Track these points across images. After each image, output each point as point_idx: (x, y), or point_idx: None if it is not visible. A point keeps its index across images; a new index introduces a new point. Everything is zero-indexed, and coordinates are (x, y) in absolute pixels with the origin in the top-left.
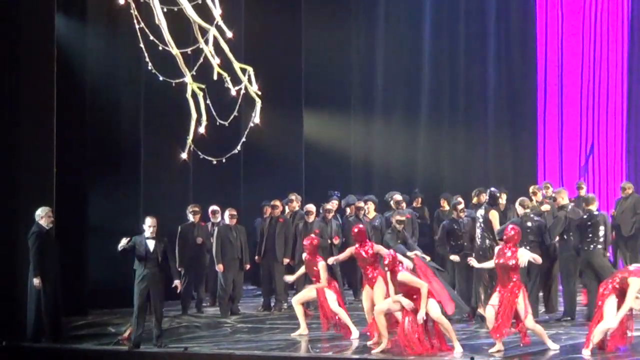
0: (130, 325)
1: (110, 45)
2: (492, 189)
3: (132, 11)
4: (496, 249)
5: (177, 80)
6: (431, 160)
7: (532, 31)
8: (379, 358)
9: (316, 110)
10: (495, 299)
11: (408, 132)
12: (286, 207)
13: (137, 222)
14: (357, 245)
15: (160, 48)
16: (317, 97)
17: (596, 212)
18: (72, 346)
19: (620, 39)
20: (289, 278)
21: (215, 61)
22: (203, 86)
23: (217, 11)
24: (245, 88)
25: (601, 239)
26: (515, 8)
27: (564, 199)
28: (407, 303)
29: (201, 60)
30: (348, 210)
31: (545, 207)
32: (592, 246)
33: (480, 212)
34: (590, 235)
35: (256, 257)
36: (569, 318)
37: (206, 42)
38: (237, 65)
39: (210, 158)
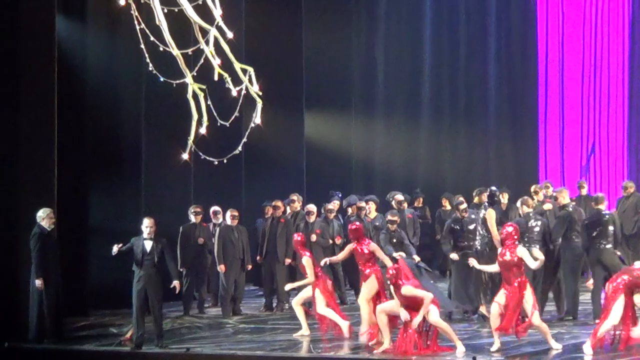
0: (132, 326)
1: (111, 46)
2: (493, 188)
3: (132, 12)
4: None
5: (178, 81)
6: (432, 160)
7: (532, 30)
8: (381, 358)
9: (317, 111)
10: (501, 296)
11: (409, 132)
12: (287, 208)
13: (138, 223)
14: (355, 243)
15: (161, 49)
16: (318, 98)
17: (605, 212)
18: (73, 347)
19: (621, 38)
20: (289, 286)
21: (216, 62)
22: (204, 87)
23: (217, 12)
24: (246, 88)
25: (610, 238)
26: (515, 7)
27: (565, 198)
28: (404, 315)
29: (202, 60)
30: (349, 210)
31: (547, 206)
32: (601, 245)
33: (482, 212)
34: (600, 234)
35: (258, 258)
36: (571, 317)
37: (207, 42)
38: (237, 66)
39: (211, 159)
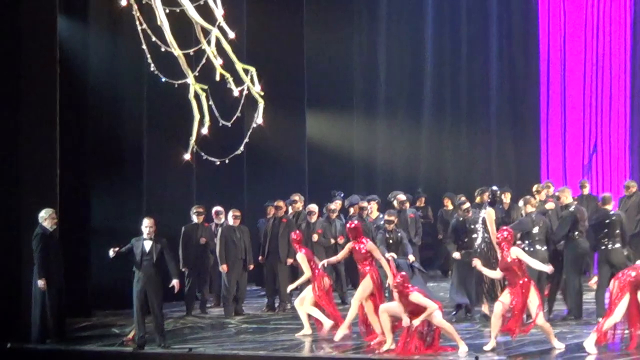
0: (134, 327)
1: (113, 46)
2: (494, 187)
3: (134, 12)
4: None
5: (179, 81)
6: (434, 159)
7: (534, 29)
8: (383, 358)
9: (319, 110)
10: (505, 296)
11: (410, 132)
12: (289, 208)
13: (140, 224)
14: (353, 241)
15: (163, 49)
16: (320, 97)
17: (613, 211)
18: (76, 347)
19: (623, 37)
20: (291, 287)
21: (217, 62)
22: (206, 87)
23: (219, 12)
24: (248, 88)
25: (618, 238)
26: (517, 6)
27: (567, 197)
28: (406, 321)
29: (203, 61)
30: (351, 210)
31: (550, 206)
32: (610, 245)
33: (483, 211)
34: (608, 234)
35: (260, 258)
36: (573, 317)
37: (208, 42)
38: (239, 66)
39: (213, 159)
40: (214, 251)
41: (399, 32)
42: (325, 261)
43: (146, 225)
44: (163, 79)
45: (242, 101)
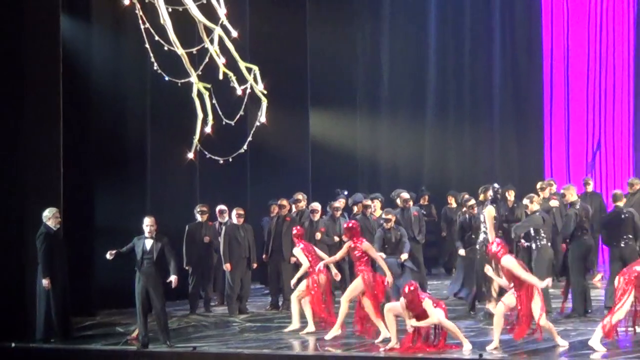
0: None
1: (116, 45)
2: (495, 185)
3: (137, 11)
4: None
5: (182, 80)
6: (437, 157)
7: (537, 27)
8: (388, 356)
9: (322, 109)
10: (510, 297)
11: (414, 130)
12: (293, 206)
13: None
14: (350, 241)
15: (166, 48)
16: (323, 96)
17: (625, 208)
18: (80, 347)
19: (627, 34)
20: (292, 281)
21: (220, 61)
22: (209, 86)
23: (222, 11)
24: (251, 87)
25: (631, 234)
26: (520, 4)
27: (573, 195)
28: (410, 326)
29: (207, 60)
30: (355, 208)
31: (554, 203)
32: (623, 242)
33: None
34: (621, 231)
35: (263, 256)
36: (577, 314)
37: (211, 41)
38: (242, 65)
39: (216, 158)
40: (218, 250)
41: (401, 30)
42: (321, 263)
43: (147, 224)
44: (166, 78)
45: (245, 100)
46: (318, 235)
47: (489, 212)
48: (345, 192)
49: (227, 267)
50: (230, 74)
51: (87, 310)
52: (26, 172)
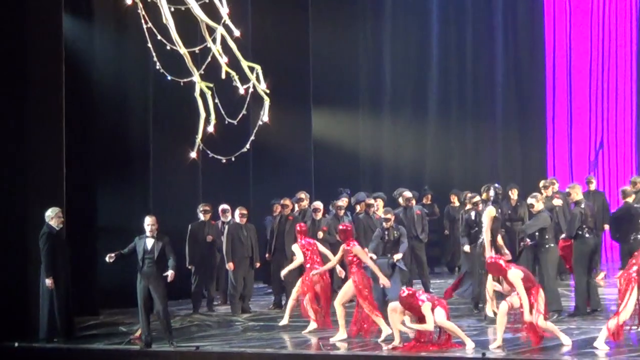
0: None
1: (118, 45)
2: (496, 185)
3: (139, 11)
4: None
5: (185, 80)
6: (440, 156)
7: (539, 26)
8: (391, 355)
9: (325, 108)
10: (515, 299)
11: (416, 129)
12: (295, 206)
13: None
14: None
15: (168, 47)
16: (326, 95)
17: (635, 204)
18: (83, 346)
19: (629, 33)
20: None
21: (223, 60)
22: (211, 85)
23: (224, 10)
24: (254, 86)
25: None
26: (522, 3)
27: (578, 194)
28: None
29: (209, 59)
30: (358, 207)
31: (557, 202)
32: (633, 238)
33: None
34: (632, 226)
35: (266, 255)
36: (580, 313)
37: (214, 41)
38: (245, 64)
39: (219, 157)
40: (221, 249)
41: (404, 30)
42: (319, 270)
43: (148, 223)
44: (169, 77)
45: (248, 99)
46: (320, 235)
47: (489, 213)
48: (348, 191)
49: (229, 266)
50: (233, 73)
51: (90, 309)
52: (28, 172)
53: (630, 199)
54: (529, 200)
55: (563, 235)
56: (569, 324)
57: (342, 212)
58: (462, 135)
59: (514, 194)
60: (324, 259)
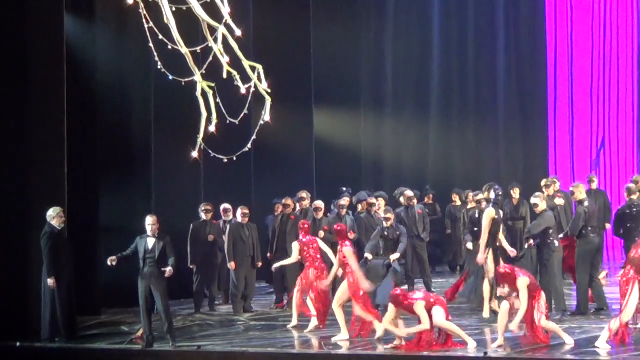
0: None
1: (120, 44)
2: (496, 186)
3: (141, 10)
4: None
5: (186, 79)
6: (442, 155)
7: (541, 24)
8: (393, 354)
9: (326, 108)
10: (517, 301)
11: (418, 128)
12: (297, 205)
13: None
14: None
15: (170, 47)
16: (327, 94)
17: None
18: (85, 346)
19: (631, 32)
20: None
21: (224, 59)
22: (213, 85)
23: (226, 10)
24: (255, 86)
25: None
26: (524, 2)
27: (581, 193)
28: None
29: (210, 58)
30: (359, 207)
31: (559, 201)
32: (636, 234)
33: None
34: (636, 224)
35: (268, 255)
36: (581, 312)
37: (215, 40)
38: (246, 64)
39: (221, 156)
40: (222, 248)
41: (406, 29)
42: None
43: (149, 222)
44: (170, 77)
45: (250, 99)
46: (321, 234)
47: (488, 214)
48: (350, 191)
49: (231, 265)
50: (234, 72)
51: (92, 309)
52: (30, 171)
53: (635, 197)
54: (533, 200)
55: (561, 235)
56: (571, 323)
57: (344, 212)
58: (463, 135)
59: (515, 193)
60: (325, 257)
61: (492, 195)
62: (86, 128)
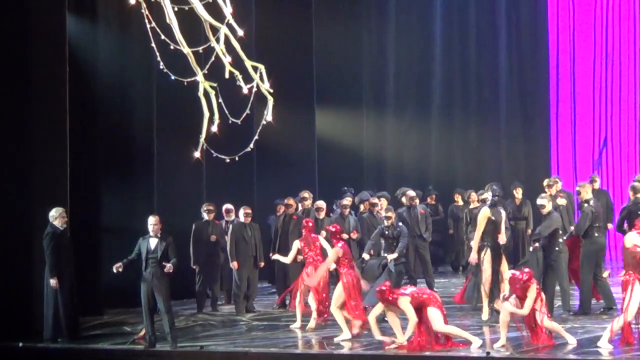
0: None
1: (122, 45)
2: (494, 187)
3: (143, 11)
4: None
5: (189, 79)
6: (444, 155)
7: (543, 24)
8: (395, 354)
9: (328, 108)
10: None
11: (420, 128)
12: (299, 205)
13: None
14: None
15: (172, 47)
16: (329, 94)
17: None
18: (88, 346)
19: (633, 31)
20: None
21: (226, 59)
22: (215, 85)
23: (227, 9)
24: (257, 86)
25: None
26: (526, 2)
27: (588, 193)
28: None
29: (212, 58)
30: (361, 207)
31: (561, 201)
32: None
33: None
34: None
35: (270, 255)
36: (583, 312)
37: (217, 40)
38: (248, 64)
39: (223, 156)
40: (225, 249)
41: (408, 28)
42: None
43: (151, 222)
44: (172, 77)
45: (252, 99)
46: (323, 234)
47: (483, 213)
48: (352, 191)
49: (234, 265)
50: (237, 72)
51: (94, 309)
52: (32, 172)
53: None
54: (540, 202)
55: (565, 236)
56: (573, 323)
57: (347, 211)
58: (465, 134)
59: (518, 193)
60: (325, 255)
61: (488, 194)
62: (88, 128)
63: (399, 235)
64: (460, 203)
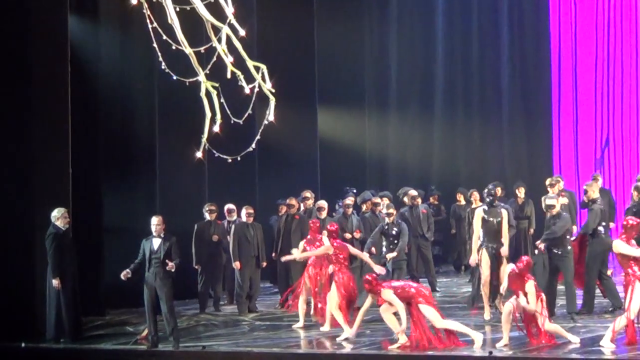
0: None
1: (124, 45)
2: (489, 186)
3: (144, 11)
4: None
5: (190, 79)
6: (446, 154)
7: (545, 23)
8: (398, 353)
9: (330, 107)
10: (522, 299)
11: (422, 128)
12: (301, 205)
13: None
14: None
15: (174, 47)
16: (331, 94)
17: None
18: (90, 346)
19: (635, 30)
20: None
21: (228, 59)
22: (217, 85)
23: (229, 9)
24: (259, 86)
25: None
26: (528, 1)
27: (595, 192)
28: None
29: (214, 59)
30: (364, 206)
31: (563, 201)
32: None
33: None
34: None
35: (273, 255)
36: (586, 311)
37: (219, 40)
38: (250, 64)
39: (225, 156)
40: (227, 249)
41: (410, 28)
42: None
43: (154, 223)
44: (174, 77)
45: (254, 99)
46: (324, 233)
47: (476, 215)
48: (354, 190)
49: (236, 265)
50: (238, 72)
51: (97, 309)
52: (34, 172)
53: None
54: (549, 202)
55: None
56: (576, 322)
57: (350, 211)
58: (468, 134)
59: (520, 192)
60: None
61: (484, 194)
62: (90, 128)
63: (399, 233)
64: (463, 202)
